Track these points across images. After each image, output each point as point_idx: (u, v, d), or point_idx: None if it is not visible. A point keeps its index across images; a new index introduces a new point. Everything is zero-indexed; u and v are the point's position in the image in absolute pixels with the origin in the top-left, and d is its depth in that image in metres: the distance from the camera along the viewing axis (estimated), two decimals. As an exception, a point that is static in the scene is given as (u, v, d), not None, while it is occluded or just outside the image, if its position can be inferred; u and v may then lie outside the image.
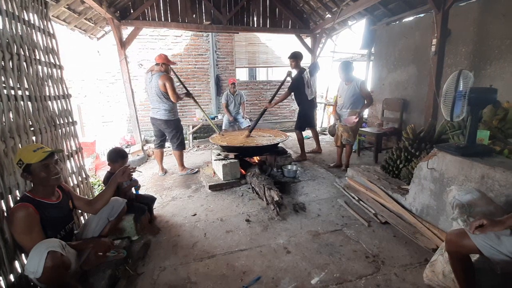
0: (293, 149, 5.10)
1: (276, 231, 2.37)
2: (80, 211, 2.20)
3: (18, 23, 1.83)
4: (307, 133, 4.94)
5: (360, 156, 4.61)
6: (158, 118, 3.64)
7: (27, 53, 1.86)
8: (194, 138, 6.30)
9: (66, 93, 2.36)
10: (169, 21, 5.29)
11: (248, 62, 7.20)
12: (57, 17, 3.98)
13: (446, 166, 2.01)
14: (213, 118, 6.17)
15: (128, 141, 5.77)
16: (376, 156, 4.15)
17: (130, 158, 4.32)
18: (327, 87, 7.35)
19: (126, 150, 4.06)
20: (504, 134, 2.22)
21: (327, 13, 5.48)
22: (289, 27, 6.03)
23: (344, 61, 3.76)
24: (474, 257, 1.45)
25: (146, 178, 3.86)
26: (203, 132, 6.75)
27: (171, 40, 6.41)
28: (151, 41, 6.27)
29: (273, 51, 7.24)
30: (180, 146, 3.82)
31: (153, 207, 2.69)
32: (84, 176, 2.46)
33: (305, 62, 5.05)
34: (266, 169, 3.71)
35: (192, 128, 5.90)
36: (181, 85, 4.05)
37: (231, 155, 3.50)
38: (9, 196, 1.57)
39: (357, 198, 2.84)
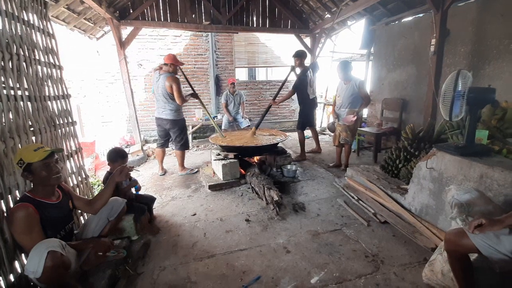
0: (293, 149, 5.11)
1: (276, 230, 2.38)
2: (80, 211, 2.20)
3: (18, 23, 1.83)
4: (307, 132, 4.94)
5: (359, 156, 4.62)
6: (164, 118, 3.65)
7: (26, 53, 1.86)
8: (194, 138, 6.31)
9: (66, 93, 2.36)
10: (169, 21, 5.29)
11: (247, 62, 7.20)
12: (56, 17, 3.98)
13: (445, 165, 2.02)
14: (213, 118, 6.16)
15: (128, 141, 5.76)
16: (375, 156, 4.15)
17: (130, 158, 4.31)
18: (327, 87, 7.36)
19: (126, 150, 4.06)
20: (503, 134, 2.23)
21: (326, 13, 5.49)
22: (289, 27, 6.04)
23: (343, 61, 3.77)
24: (473, 256, 1.45)
25: (146, 178, 3.86)
26: (203, 132, 6.76)
27: (170, 40, 6.40)
28: (150, 41, 6.27)
29: (273, 51, 7.25)
30: (183, 146, 3.84)
31: (153, 207, 2.69)
32: (83, 176, 2.46)
33: (305, 62, 5.04)
34: (265, 169, 3.72)
35: (192, 128, 5.90)
36: (188, 86, 4.03)
37: (231, 155, 3.50)
38: (9, 196, 1.57)
39: (356, 198, 2.84)
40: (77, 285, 1.53)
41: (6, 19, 1.71)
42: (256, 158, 4.09)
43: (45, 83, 2.11)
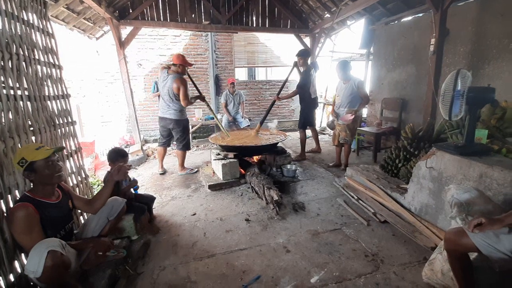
0: (292, 149, 5.11)
1: (276, 230, 2.38)
2: (79, 210, 2.20)
3: (17, 23, 1.83)
4: (307, 132, 4.93)
5: (359, 155, 4.62)
6: (168, 117, 3.65)
7: (26, 53, 1.86)
8: (194, 138, 6.30)
9: (65, 93, 2.36)
10: (168, 21, 5.29)
11: (247, 61, 7.20)
12: (56, 17, 3.97)
13: (445, 165, 2.02)
14: (212, 118, 6.16)
15: (127, 141, 5.76)
16: (375, 155, 4.15)
17: (130, 158, 4.31)
18: (326, 86, 7.36)
19: (125, 150, 4.06)
20: (502, 133, 2.24)
21: (326, 12, 5.49)
22: (288, 27, 6.04)
23: (342, 61, 3.77)
24: (473, 256, 1.45)
25: (146, 178, 3.86)
26: (203, 132, 6.75)
27: (170, 40, 6.40)
28: (150, 41, 6.27)
29: (272, 51, 7.25)
30: (185, 147, 3.84)
31: (153, 207, 2.69)
32: (83, 176, 2.46)
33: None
34: (265, 169, 3.72)
35: (192, 128, 5.90)
36: (195, 88, 3.99)
37: (231, 154, 3.50)
38: (9, 196, 1.57)
39: (356, 197, 2.84)
40: (77, 284, 1.53)
41: (6, 18, 1.71)
42: (256, 158, 4.09)
43: (45, 83, 2.11)
